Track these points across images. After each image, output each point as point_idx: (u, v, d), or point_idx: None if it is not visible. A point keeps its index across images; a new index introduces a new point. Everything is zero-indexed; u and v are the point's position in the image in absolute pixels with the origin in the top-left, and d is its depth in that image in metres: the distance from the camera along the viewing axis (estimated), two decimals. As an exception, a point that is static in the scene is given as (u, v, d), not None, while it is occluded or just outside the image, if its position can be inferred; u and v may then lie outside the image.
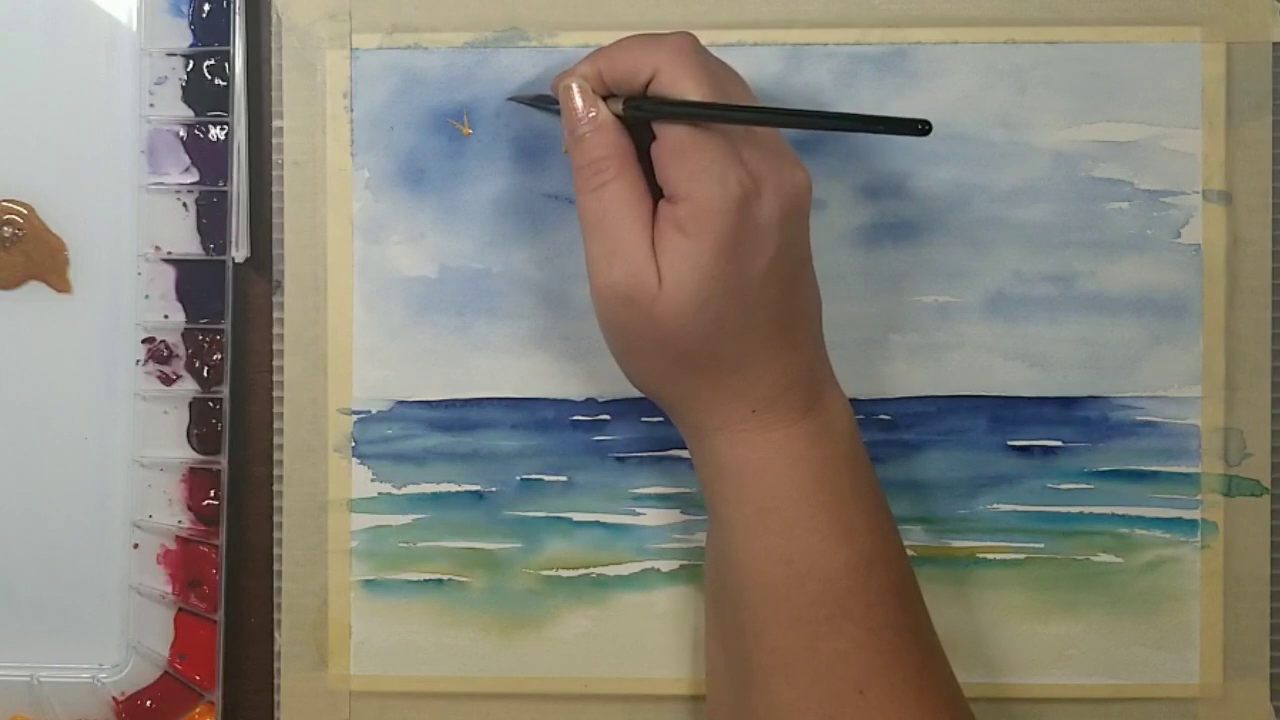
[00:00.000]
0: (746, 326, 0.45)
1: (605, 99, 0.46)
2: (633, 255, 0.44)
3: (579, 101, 0.46)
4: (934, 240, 0.54)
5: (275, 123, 0.54)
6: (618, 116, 0.46)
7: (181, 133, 0.54)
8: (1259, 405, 0.54)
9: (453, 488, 0.54)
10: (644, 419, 0.54)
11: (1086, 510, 0.54)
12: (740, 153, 0.44)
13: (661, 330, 0.45)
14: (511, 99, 0.54)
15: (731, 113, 0.44)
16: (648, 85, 0.45)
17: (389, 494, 0.54)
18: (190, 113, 0.54)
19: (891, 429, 0.54)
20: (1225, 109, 0.53)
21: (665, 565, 0.54)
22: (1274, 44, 0.53)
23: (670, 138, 0.44)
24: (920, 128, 0.40)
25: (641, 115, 0.45)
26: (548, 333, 0.54)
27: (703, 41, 0.46)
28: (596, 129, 0.46)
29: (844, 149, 0.54)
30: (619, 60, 0.46)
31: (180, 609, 0.54)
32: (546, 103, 0.52)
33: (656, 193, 0.45)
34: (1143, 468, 0.54)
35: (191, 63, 0.54)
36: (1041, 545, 0.54)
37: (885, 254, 0.54)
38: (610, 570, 0.54)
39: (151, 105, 0.54)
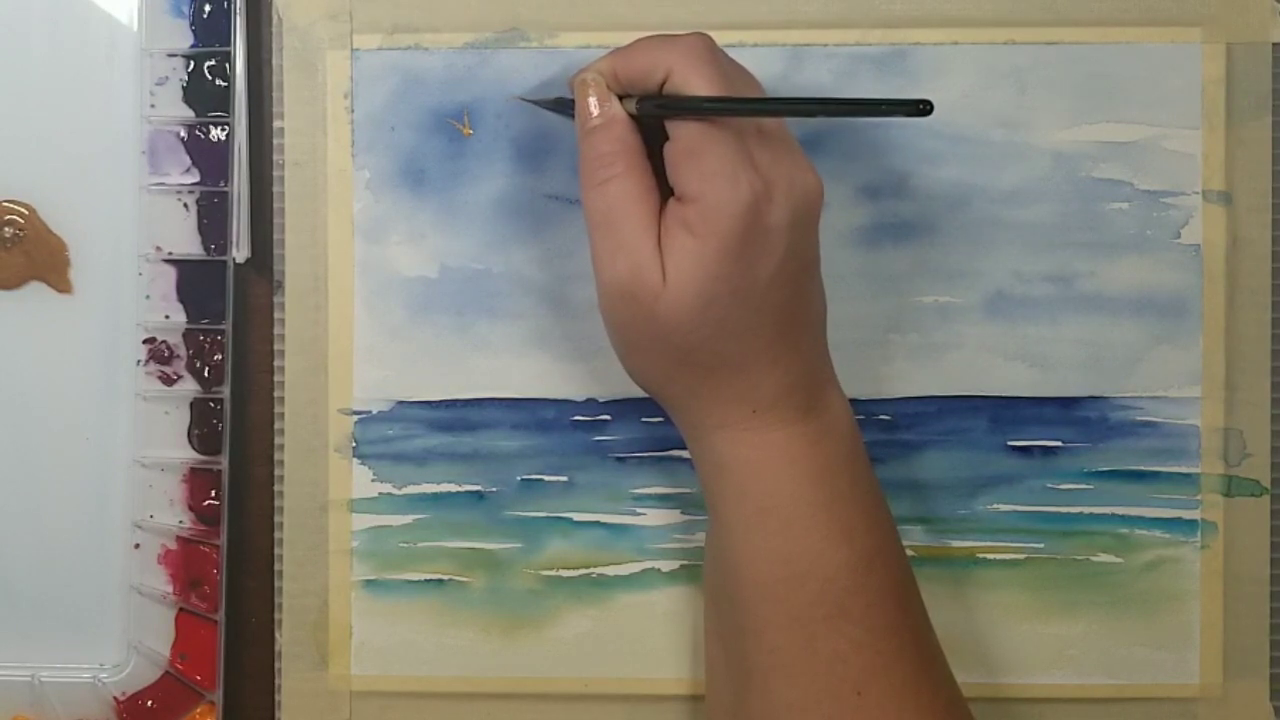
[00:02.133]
0: (750, 328, 0.45)
1: (620, 99, 0.46)
2: (637, 252, 0.44)
3: (592, 97, 0.46)
4: (934, 240, 0.54)
5: (276, 123, 0.54)
6: (631, 116, 0.46)
7: (182, 133, 0.54)
8: (1259, 405, 0.54)
9: (453, 488, 0.54)
10: (644, 419, 0.54)
11: (1086, 510, 0.54)
12: (752, 155, 0.44)
13: (664, 328, 0.45)
14: (527, 100, 0.53)
15: (734, 104, 0.44)
16: (662, 85, 0.45)
17: (389, 494, 0.54)
18: (191, 113, 0.54)
19: (891, 429, 0.54)
20: (1225, 109, 0.53)
21: (665, 565, 0.54)
22: (1274, 44, 0.53)
23: (683, 137, 0.44)
24: (921, 107, 0.40)
25: (652, 113, 0.45)
26: (548, 333, 0.54)
27: (705, 42, 0.46)
28: (606, 124, 0.46)
29: (845, 149, 0.54)
30: (634, 60, 0.46)
31: (181, 609, 0.54)
32: (561, 105, 0.52)
33: (665, 194, 0.45)
34: (1143, 468, 0.54)
35: (192, 63, 0.54)
36: (1041, 545, 0.54)
37: (885, 254, 0.54)
38: (610, 570, 0.54)
39: (152, 106, 0.54)
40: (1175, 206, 0.54)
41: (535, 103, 0.53)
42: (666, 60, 0.45)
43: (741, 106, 0.44)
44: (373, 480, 0.54)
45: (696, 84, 0.44)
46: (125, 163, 0.54)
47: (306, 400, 0.54)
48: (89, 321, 0.55)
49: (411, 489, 0.55)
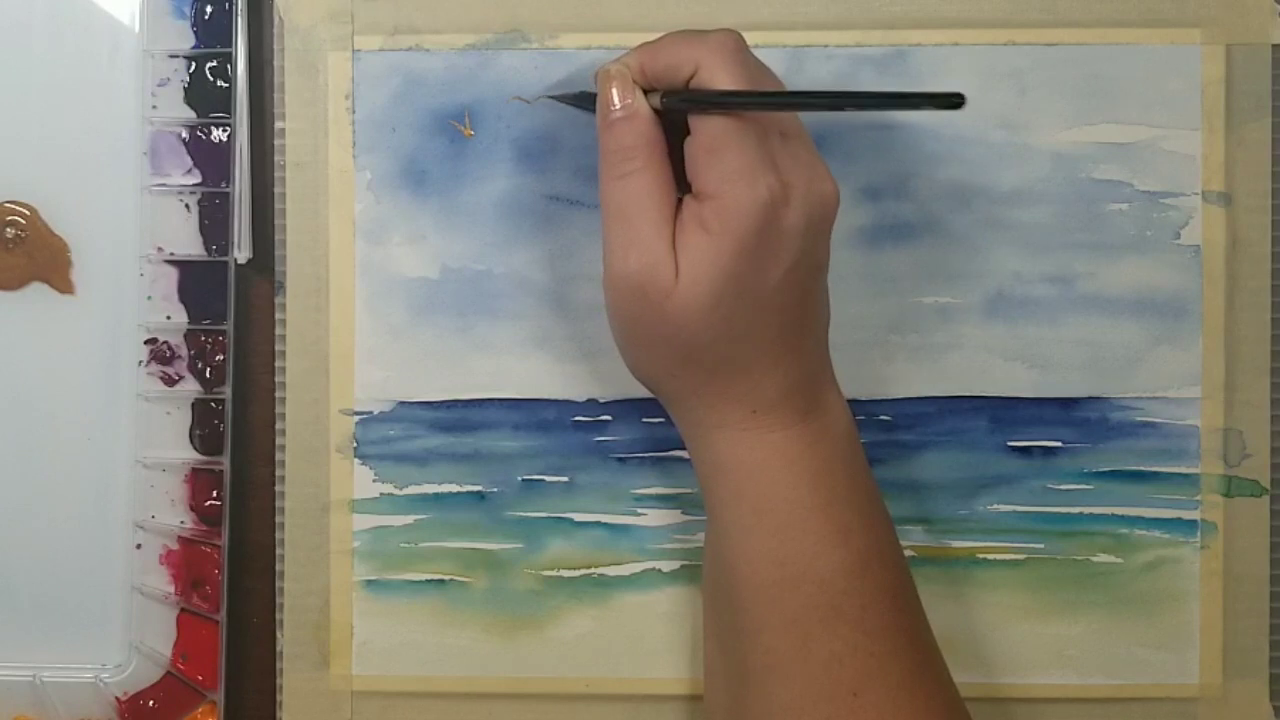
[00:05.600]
0: (755, 329, 0.45)
1: (645, 93, 0.46)
2: (651, 247, 0.44)
3: (616, 88, 0.46)
4: (934, 241, 0.54)
5: (277, 124, 0.55)
6: (654, 110, 0.46)
7: (184, 134, 0.54)
8: (1259, 405, 0.54)
9: (454, 488, 0.55)
10: (645, 420, 0.54)
11: (1086, 510, 0.54)
12: (773, 156, 0.44)
13: (671, 325, 0.45)
14: (551, 97, 0.53)
15: (761, 99, 0.44)
16: (689, 82, 0.45)
17: (391, 494, 0.55)
18: (192, 114, 0.54)
19: (891, 430, 0.54)
20: (1225, 111, 0.53)
21: (666, 565, 0.55)
22: (1273, 46, 0.53)
23: (706, 134, 0.44)
24: (953, 101, 0.40)
25: (676, 107, 0.45)
26: (549, 334, 0.54)
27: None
28: (629, 116, 0.45)
29: (846, 150, 0.54)
30: (662, 55, 0.46)
31: (182, 609, 0.54)
32: (583, 100, 0.52)
33: (682, 190, 0.45)
34: (1142, 468, 0.54)
35: (194, 64, 0.54)
36: (1041, 545, 0.54)
37: (886, 255, 0.54)
38: (611, 570, 0.55)
39: (154, 107, 0.54)
40: (1175, 207, 0.54)
41: (557, 98, 0.53)
42: (694, 56, 0.45)
43: (767, 100, 0.44)
44: (374, 480, 0.55)
45: (723, 81, 0.44)
46: (127, 164, 0.54)
47: (308, 401, 0.54)
48: (90, 322, 0.55)
49: (413, 489, 0.55)
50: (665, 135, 0.46)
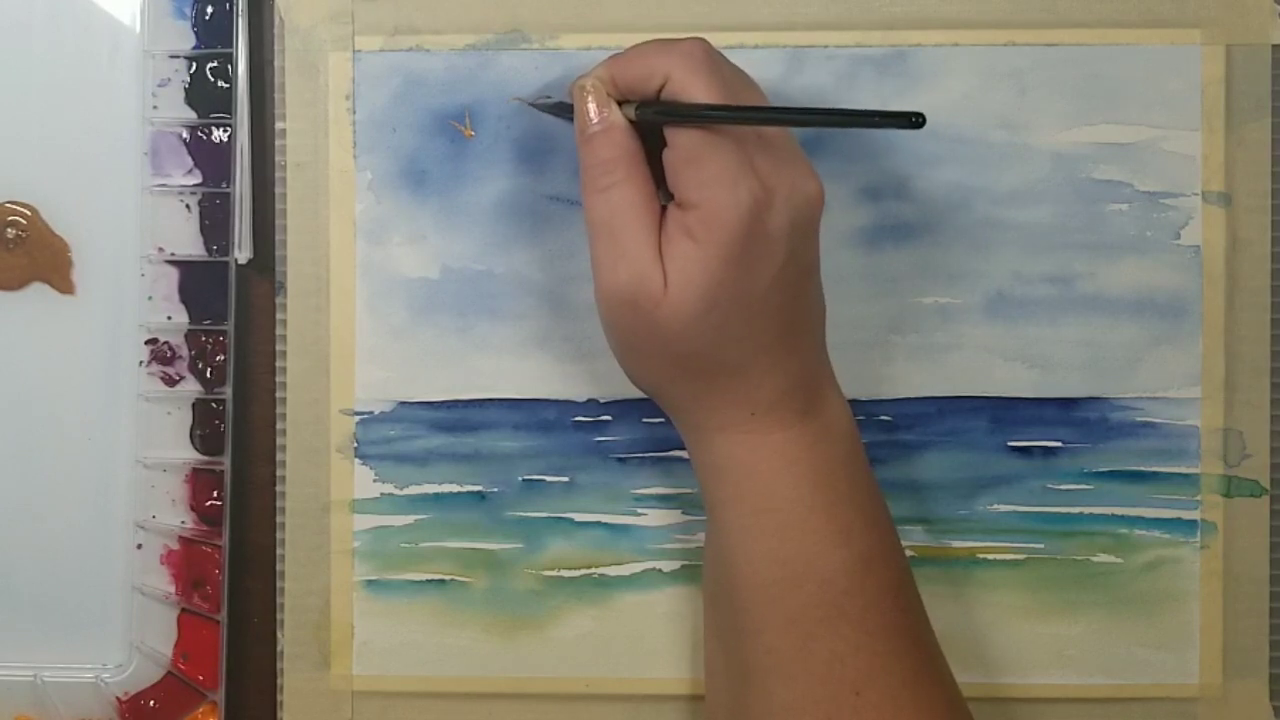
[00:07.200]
0: (749, 333, 0.45)
1: (619, 104, 0.46)
2: (639, 259, 0.44)
3: (591, 103, 0.46)
4: (934, 241, 0.54)
5: (278, 124, 0.55)
6: (630, 121, 0.46)
7: (184, 134, 0.54)
8: (1259, 405, 0.54)
9: (455, 488, 0.55)
10: (645, 420, 0.54)
11: (1086, 511, 0.54)
12: (753, 161, 0.44)
13: (664, 334, 0.45)
14: (526, 103, 0.54)
15: (730, 113, 0.44)
16: (660, 90, 0.45)
17: (391, 494, 0.55)
18: (193, 114, 0.54)
19: (892, 430, 0.54)
20: (1225, 111, 0.53)
21: (667, 565, 0.55)
22: (1274, 46, 0.53)
23: (682, 144, 0.44)
24: (913, 120, 0.40)
25: (650, 120, 0.45)
26: (549, 334, 0.54)
27: (705, 44, 0.46)
28: (606, 130, 0.46)
29: (845, 150, 0.54)
30: (632, 65, 0.46)
31: (183, 609, 0.55)
32: (561, 110, 0.52)
33: (663, 198, 0.46)
34: (1142, 468, 0.54)
35: (194, 65, 0.54)
36: (1041, 545, 0.54)
37: (886, 255, 0.54)
38: (612, 570, 0.55)
39: (155, 107, 0.54)
40: (1175, 208, 0.54)
41: (534, 105, 0.53)
42: (664, 65, 0.45)
43: (737, 115, 0.44)
44: (374, 480, 0.55)
45: (695, 89, 0.44)
46: (127, 164, 0.54)
47: (308, 401, 0.54)
48: (91, 322, 0.55)
49: (413, 489, 0.55)
50: (644, 144, 0.46)
